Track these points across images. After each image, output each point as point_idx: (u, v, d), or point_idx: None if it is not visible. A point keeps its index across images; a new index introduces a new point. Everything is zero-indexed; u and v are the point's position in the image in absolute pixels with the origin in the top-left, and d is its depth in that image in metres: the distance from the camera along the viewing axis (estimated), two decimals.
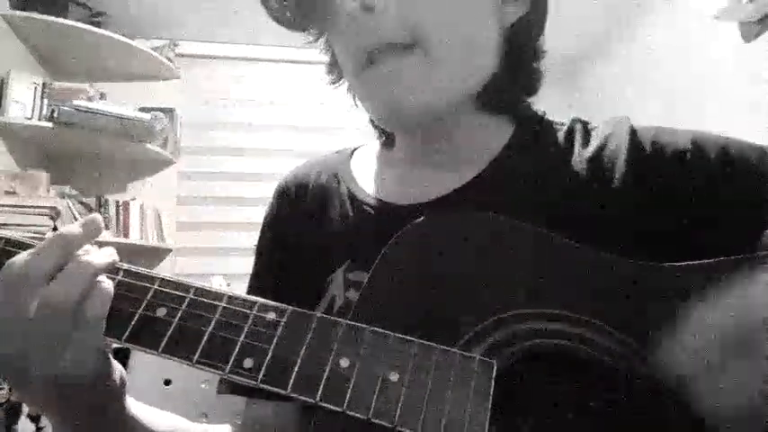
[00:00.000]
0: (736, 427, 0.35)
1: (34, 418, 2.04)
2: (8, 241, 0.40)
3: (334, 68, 0.58)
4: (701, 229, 0.45)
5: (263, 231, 0.64)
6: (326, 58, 0.59)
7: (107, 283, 0.38)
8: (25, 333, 0.36)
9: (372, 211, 0.54)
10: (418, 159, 0.57)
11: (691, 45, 2.08)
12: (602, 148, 0.51)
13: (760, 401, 0.35)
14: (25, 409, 2.02)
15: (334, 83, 0.59)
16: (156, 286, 0.39)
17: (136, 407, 0.47)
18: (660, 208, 0.46)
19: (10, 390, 1.98)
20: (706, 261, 0.40)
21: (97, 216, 0.40)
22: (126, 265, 0.40)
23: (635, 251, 0.41)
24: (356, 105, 0.57)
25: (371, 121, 0.63)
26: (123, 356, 0.95)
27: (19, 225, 1.82)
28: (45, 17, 2.14)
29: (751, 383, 0.36)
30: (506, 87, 0.53)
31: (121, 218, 2.37)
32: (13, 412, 1.98)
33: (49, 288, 0.36)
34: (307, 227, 0.58)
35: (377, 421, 0.34)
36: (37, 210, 1.92)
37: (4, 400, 1.95)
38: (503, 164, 0.53)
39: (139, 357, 0.93)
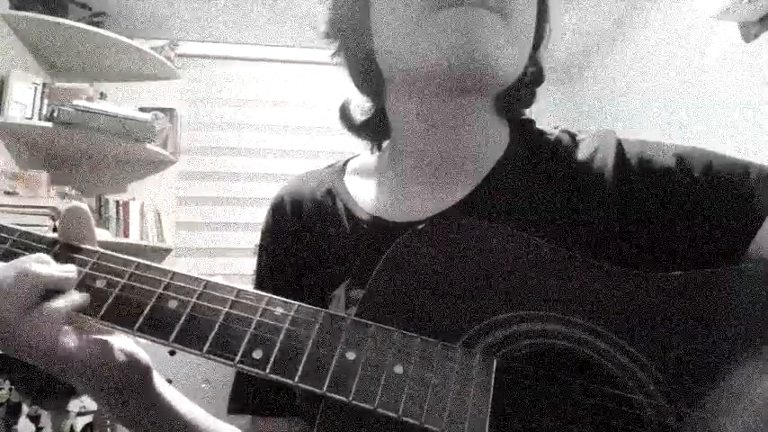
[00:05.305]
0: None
1: (34, 418, 2.04)
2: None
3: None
4: (686, 242, 0.47)
5: (260, 249, 0.63)
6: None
7: (55, 304, 0.38)
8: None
9: (371, 229, 0.54)
10: (414, 170, 0.56)
11: (690, 45, 2.09)
12: (589, 162, 0.51)
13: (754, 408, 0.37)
14: (25, 409, 2.02)
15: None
16: (167, 279, 0.40)
17: (175, 396, 0.49)
18: (646, 222, 0.48)
19: (10, 390, 1.98)
20: (691, 271, 0.42)
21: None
22: (137, 260, 0.42)
23: (622, 262, 0.43)
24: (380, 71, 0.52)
25: (359, 130, 0.62)
26: None
27: (19, 225, 1.82)
28: (45, 17, 2.15)
29: (745, 389, 0.37)
30: (521, 87, 0.53)
31: (121, 218, 2.38)
32: (12, 412, 1.98)
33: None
34: (304, 245, 0.58)
35: (382, 411, 0.35)
36: (37, 210, 1.92)
37: (3, 400, 1.95)
38: (497, 179, 0.53)
39: None
